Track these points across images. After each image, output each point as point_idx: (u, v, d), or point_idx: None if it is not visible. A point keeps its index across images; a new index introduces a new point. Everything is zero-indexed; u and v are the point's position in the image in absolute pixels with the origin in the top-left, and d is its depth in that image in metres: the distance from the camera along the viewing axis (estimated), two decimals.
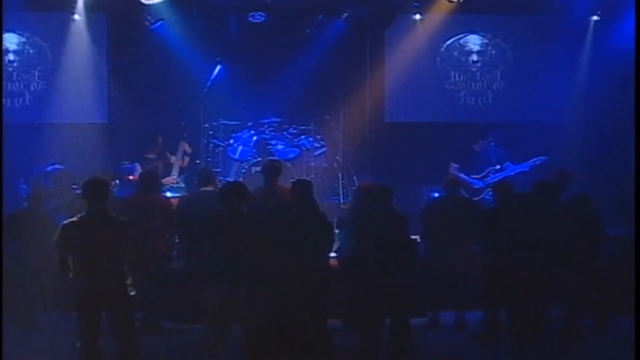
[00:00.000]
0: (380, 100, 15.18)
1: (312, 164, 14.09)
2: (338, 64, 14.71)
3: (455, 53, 15.16)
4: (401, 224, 9.26)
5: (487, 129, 13.64)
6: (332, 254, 9.96)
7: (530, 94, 14.93)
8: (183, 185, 13.29)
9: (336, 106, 14.59)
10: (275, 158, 12.88)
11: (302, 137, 14.27)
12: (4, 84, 14.22)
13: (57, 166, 12.51)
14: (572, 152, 14.10)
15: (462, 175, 12.88)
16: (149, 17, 14.02)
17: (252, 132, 14.24)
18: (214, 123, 14.28)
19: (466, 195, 11.97)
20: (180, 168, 13.43)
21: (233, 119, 14.37)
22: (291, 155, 14.03)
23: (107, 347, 8.15)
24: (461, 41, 15.14)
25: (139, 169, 12.97)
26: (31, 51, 14.71)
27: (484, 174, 13.09)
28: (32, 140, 13.53)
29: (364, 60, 14.95)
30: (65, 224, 8.14)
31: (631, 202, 9.67)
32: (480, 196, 12.60)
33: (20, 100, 14.76)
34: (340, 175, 13.74)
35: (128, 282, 8.06)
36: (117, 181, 12.65)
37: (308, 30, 14.68)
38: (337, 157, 14.20)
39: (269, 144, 14.08)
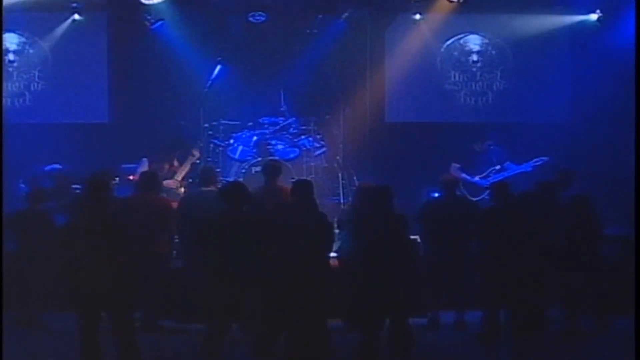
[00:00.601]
0: (381, 100, 15.20)
1: (312, 164, 14.02)
2: (338, 64, 14.76)
3: (456, 53, 15.16)
4: (400, 224, 9.19)
5: (488, 130, 13.64)
6: (332, 254, 9.92)
7: (530, 94, 14.87)
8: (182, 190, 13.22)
9: (336, 106, 14.60)
10: (276, 158, 12.86)
11: (302, 137, 14.22)
12: (4, 83, 14.20)
13: (55, 166, 12.54)
14: (572, 152, 13.98)
15: (464, 174, 12.94)
16: (149, 17, 13.96)
17: (252, 132, 14.16)
18: (214, 123, 14.20)
19: (464, 195, 11.99)
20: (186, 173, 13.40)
21: (233, 119, 14.30)
22: (291, 155, 13.97)
23: (107, 347, 8.18)
24: (461, 41, 15.15)
25: (146, 164, 12.96)
26: (31, 51, 14.70)
27: (485, 174, 13.06)
28: (32, 140, 13.63)
29: (364, 61, 14.95)
30: (65, 225, 8.29)
31: (631, 203, 9.68)
32: (482, 196, 12.55)
33: (21, 100, 14.81)
34: (340, 175, 13.71)
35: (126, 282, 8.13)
36: (117, 178, 12.75)
37: (308, 30, 14.68)
38: (337, 157, 14.16)
39: (269, 144, 14.03)
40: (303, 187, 9.25)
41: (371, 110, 15.17)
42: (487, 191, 12.54)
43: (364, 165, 14.32)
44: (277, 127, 14.16)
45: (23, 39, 14.67)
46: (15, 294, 9.98)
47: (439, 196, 11.46)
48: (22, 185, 12.26)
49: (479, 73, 15.19)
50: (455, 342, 10.23)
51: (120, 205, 10.33)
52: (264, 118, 14.28)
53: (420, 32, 14.72)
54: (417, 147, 14.53)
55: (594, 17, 14.40)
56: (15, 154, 12.20)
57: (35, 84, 14.85)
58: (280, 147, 14.09)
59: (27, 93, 14.84)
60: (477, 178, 13.08)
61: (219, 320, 8.70)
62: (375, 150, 14.87)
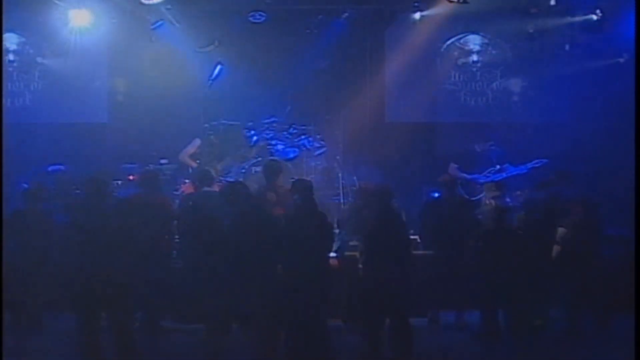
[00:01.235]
0: (381, 100, 15.36)
1: (312, 163, 14.16)
2: (338, 64, 14.87)
3: (456, 53, 15.27)
4: (400, 224, 9.29)
5: (489, 130, 13.77)
6: (332, 254, 9.97)
7: (530, 94, 14.98)
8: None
9: (336, 106, 14.75)
10: (276, 158, 12.95)
11: (302, 137, 14.26)
12: (5, 83, 14.30)
13: (58, 166, 12.75)
14: (571, 152, 13.86)
15: (463, 173, 12.88)
16: (149, 18, 13.96)
17: (252, 132, 14.16)
18: (214, 123, 14.13)
19: (462, 195, 12.02)
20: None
21: (233, 119, 14.24)
22: (291, 155, 14.07)
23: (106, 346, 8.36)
24: (461, 41, 15.34)
25: (198, 142, 13.38)
26: (31, 51, 14.85)
27: (483, 174, 13.04)
28: (33, 140, 13.87)
29: (364, 60, 15.06)
30: (65, 225, 8.42)
31: (631, 202, 9.61)
32: (481, 195, 12.53)
33: (21, 99, 14.95)
34: (340, 175, 13.68)
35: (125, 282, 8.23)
36: (119, 182, 12.97)
37: (308, 30, 14.74)
38: (337, 157, 14.20)
39: (269, 144, 14.06)
40: (302, 187, 9.31)
41: (371, 110, 15.23)
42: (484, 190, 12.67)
43: (364, 165, 14.24)
44: (277, 127, 14.12)
45: (23, 39, 14.75)
46: (14, 294, 9.88)
47: (437, 196, 11.60)
48: (25, 185, 12.04)
49: (479, 73, 15.37)
50: (455, 341, 10.30)
51: (121, 205, 10.28)
52: (264, 118, 14.21)
53: (421, 32, 14.74)
54: (417, 146, 14.62)
55: (594, 17, 14.24)
56: (16, 153, 12.29)
57: (35, 84, 14.92)
58: (280, 147, 14.12)
59: (27, 93, 14.95)
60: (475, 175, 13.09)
61: (219, 320, 8.80)
62: (375, 149, 14.82)
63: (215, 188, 10.88)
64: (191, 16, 14.41)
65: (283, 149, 14.15)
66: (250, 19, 14.32)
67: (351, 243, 10.56)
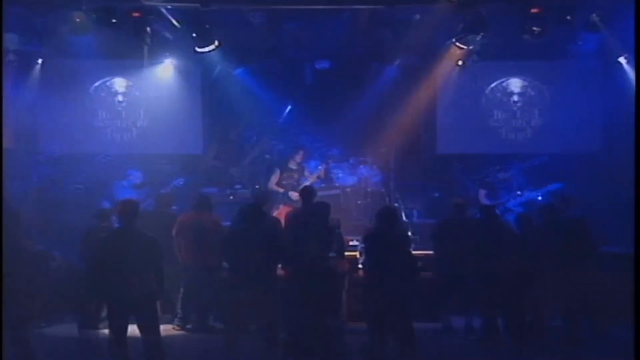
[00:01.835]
0: (433, 134, 16.53)
1: (369, 189, 15.35)
2: (391, 104, 16.11)
3: (499, 94, 16.39)
4: (404, 241, 10.20)
5: (510, 160, 14.72)
6: (359, 265, 11.23)
7: (564, 129, 15.91)
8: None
9: (390, 140, 15.86)
10: (310, 184, 13.82)
11: (361, 166, 15.57)
12: (115, 121, 16.46)
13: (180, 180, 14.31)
14: (603, 180, 15.13)
15: (486, 199, 14.09)
16: (232, 65, 15.68)
17: (319, 162, 15.48)
18: (287, 154, 15.37)
19: (472, 216, 12.44)
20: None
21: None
22: (350, 182, 15.44)
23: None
24: (504, 84, 16.38)
25: (277, 173, 14.57)
26: (137, 93, 16.37)
27: (505, 200, 14.13)
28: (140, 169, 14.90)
29: (416, 101, 16.13)
30: (99, 238, 9.19)
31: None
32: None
33: (128, 134, 16.49)
34: (387, 198, 14.86)
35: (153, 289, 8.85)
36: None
37: (365, 75, 16.07)
38: (390, 183, 15.37)
39: (331, 172, 15.51)
40: (307, 193, 10.89)
41: (425, 144, 16.61)
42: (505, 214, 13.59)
43: (414, 191, 15.57)
44: (339, 158, 15.54)
45: (130, 83, 16.34)
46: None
47: (449, 217, 12.11)
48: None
49: (519, 112, 16.38)
50: (465, 344, 11.25)
51: (177, 222, 11.76)
52: (327, 150, 15.70)
53: (467, 76, 15.86)
54: (463, 175, 15.60)
55: (622, 60, 15.11)
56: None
57: (141, 121, 16.48)
58: (341, 174, 15.52)
59: (134, 129, 16.48)
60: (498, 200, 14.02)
61: (236, 322, 9.60)
62: (427, 177, 16.24)
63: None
64: (267, 63, 16.10)
65: (344, 176, 15.52)
66: (316, 66, 15.88)
67: (351, 243, 11.93)
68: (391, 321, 9.80)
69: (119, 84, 16.46)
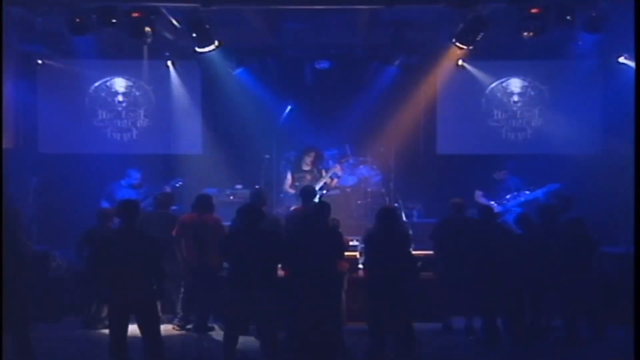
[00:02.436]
0: (432, 135, 16.54)
1: (369, 189, 15.40)
2: (391, 104, 16.05)
3: (499, 94, 16.41)
4: (403, 240, 10.16)
5: (504, 161, 14.74)
6: (359, 265, 11.46)
7: (564, 130, 15.81)
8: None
9: (390, 140, 15.80)
10: (310, 185, 13.65)
11: (361, 166, 15.57)
12: (115, 121, 16.50)
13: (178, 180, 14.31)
14: (600, 179, 15.19)
15: (483, 199, 14.11)
16: (231, 65, 15.63)
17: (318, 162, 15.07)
18: (286, 154, 15.61)
19: (470, 216, 12.45)
20: (325, 184, 14.56)
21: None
22: (351, 182, 15.45)
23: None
24: (504, 84, 16.40)
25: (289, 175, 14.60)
26: (137, 93, 16.46)
27: (502, 200, 14.17)
28: (139, 169, 14.85)
29: (416, 101, 16.30)
30: (100, 238, 9.35)
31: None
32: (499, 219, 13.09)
33: (129, 134, 16.53)
34: (387, 199, 14.89)
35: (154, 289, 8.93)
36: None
37: (365, 75, 16.06)
38: (390, 183, 15.27)
39: (332, 172, 15.00)
40: (307, 193, 11.10)
41: (424, 144, 16.59)
42: (503, 215, 13.67)
43: (414, 191, 15.55)
44: (338, 158, 15.25)
45: (130, 83, 16.42)
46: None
47: (447, 217, 12.23)
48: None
49: (519, 112, 16.42)
50: (465, 344, 11.33)
51: (178, 222, 11.81)
52: (328, 150, 15.46)
53: (467, 76, 16.03)
54: (462, 175, 15.45)
55: (622, 60, 15.26)
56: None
57: (141, 121, 16.53)
58: (341, 175, 15.29)
59: (134, 129, 16.52)
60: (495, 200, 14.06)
61: (235, 322, 9.50)
62: (425, 178, 16.18)
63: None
64: (266, 63, 16.01)
65: (344, 176, 15.41)
66: (316, 66, 15.79)
67: (351, 243, 11.87)
68: (391, 321, 9.79)
69: (119, 84, 16.51)
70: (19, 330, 9.08)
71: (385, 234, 9.94)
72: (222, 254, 10.28)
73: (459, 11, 12.47)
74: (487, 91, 16.49)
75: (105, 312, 9.82)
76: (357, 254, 11.73)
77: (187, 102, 16.51)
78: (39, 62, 15.86)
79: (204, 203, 11.99)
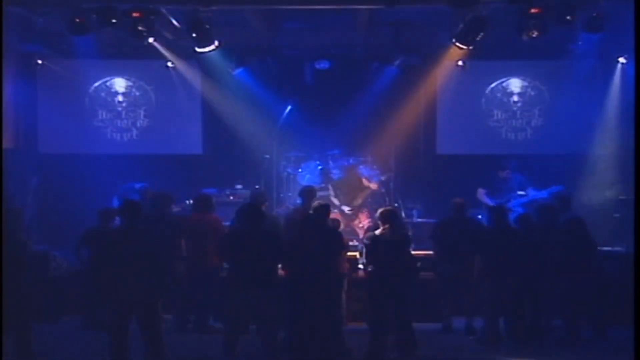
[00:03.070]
0: (433, 134, 16.54)
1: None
2: (391, 104, 16.05)
3: (499, 94, 16.45)
4: (404, 241, 10.22)
5: (507, 160, 14.62)
6: (359, 266, 11.36)
7: (564, 129, 15.93)
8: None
9: (390, 140, 15.82)
10: (310, 185, 13.80)
11: (361, 166, 15.51)
12: (115, 121, 16.51)
13: (143, 184, 13.84)
14: (600, 180, 15.35)
15: (487, 198, 14.13)
16: (231, 65, 15.65)
17: (318, 162, 15.59)
18: (287, 154, 15.73)
19: (472, 216, 12.73)
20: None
21: (302, 151, 15.80)
22: None
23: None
24: (504, 84, 16.44)
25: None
26: (137, 93, 16.49)
27: (507, 198, 14.07)
28: (140, 168, 14.94)
29: (416, 101, 16.30)
30: (101, 238, 9.43)
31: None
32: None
33: (129, 134, 16.55)
34: (387, 199, 14.87)
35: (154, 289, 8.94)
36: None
37: (365, 75, 16.05)
38: (390, 183, 15.24)
39: (331, 172, 15.50)
40: (307, 193, 11.17)
41: (424, 144, 16.59)
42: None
43: (414, 191, 15.61)
44: (339, 158, 15.50)
45: (130, 83, 16.46)
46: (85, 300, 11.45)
47: (448, 217, 12.16)
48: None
49: (519, 112, 16.44)
50: (465, 344, 11.25)
51: (180, 223, 11.80)
52: (328, 150, 15.63)
53: (467, 76, 16.00)
54: (462, 175, 15.47)
55: (622, 60, 15.39)
56: (123, 179, 14.16)
57: (141, 121, 16.56)
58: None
59: (134, 129, 16.56)
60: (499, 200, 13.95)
61: (236, 322, 9.46)
62: (426, 178, 16.22)
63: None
64: (267, 63, 15.96)
65: None
66: (316, 65, 15.75)
67: (351, 243, 11.90)
68: (391, 321, 9.84)
69: (119, 84, 16.56)
70: (19, 330, 9.09)
71: (385, 234, 9.98)
72: (221, 254, 10.33)
73: (459, 11, 12.46)
74: (487, 91, 16.53)
75: (105, 311, 9.76)
76: (357, 254, 11.72)
77: (187, 102, 16.53)
78: (39, 62, 15.89)
79: (204, 203, 12.00)
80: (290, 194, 15.50)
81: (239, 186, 15.46)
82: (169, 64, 15.98)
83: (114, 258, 8.89)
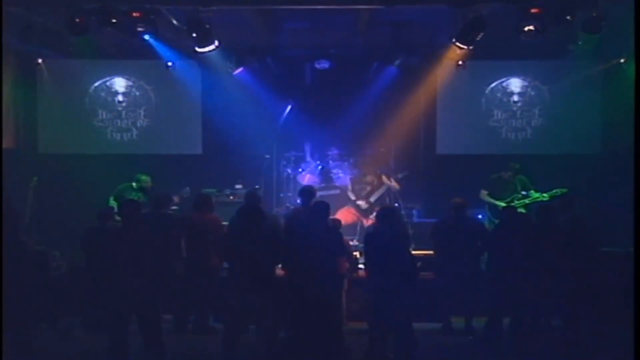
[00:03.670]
0: (433, 134, 16.57)
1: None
2: (391, 103, 16.10)
3: (499, 94, 16.48)
4: (404, 241, 10.26)
5: (508, 160, 14.54)
6: (359, 265, 11.37)
7: (564, 130, 16.04)
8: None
9: (390, 140, 15.86)
10: (309, 184, 13.92)
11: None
12: (115, 120, 16.52)
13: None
14: (600, 179, 15.32)
15: (489, 199, 14.15)
16: (231, 65, 15.69)
17: (318, 162, 15.69)
18: (286, 154, 15.75)
19: (471, 216, 12.62)
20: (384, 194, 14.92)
21: (301, 151, 15.84)
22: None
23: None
24: (504, 84, 16.47)
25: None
26: (137, 93, 16.53)
27: (509, 199, 13.99)
28: (140, 169, 14.63)
29: (416, 101, 16.33)
30: (100, 238, 9.44)
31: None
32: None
33: (129, 134, 16.59)
34: (387, 199, 14.86)
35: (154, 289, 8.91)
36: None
37: (365, 75, 16.08)
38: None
39: (331, 172, 15.59)
40: (306, 193, 11.17)
41: (424, 144, 16.63)
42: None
43: (414, 191, 15.55)
44: (338, 157, 15.58)
45: (130, 83, 16.50)
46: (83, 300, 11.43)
47: (448, 217, 12.05)
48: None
49: (519, 112, 16.47)
50: (465, 344, 11.26)
51: (180, 223, 11.82)
52: (327, 150, 15.70)
53: (468, 76, 15.99)
54: (462, 175, 15.49)
55: (622, 60, 15.35)
56: (123, 179, 14.22)
57: (141, 121, 16.60)
58: (341, 175, 15.54)
59: (134, 129, 16.59)
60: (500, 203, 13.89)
61: (236, 322, 9.47)
62: (426, 178, 16.25)
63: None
64: (266, 64, 15.92)
65: (344, 176, 15.57)
66: (316, 65, 15.79)
67: (351, 243, 11.94)
68: (391, 321, 9.78)
69: (119, 84, 16.59)
70: (19, 330, 9.09)
71: (385, 233, 9.94)
72: (221, 254, 10.35)
73: (459, 11, 12.49)
74: (487, 91, 16.57)
75: (105, 311, 9.77)
76: (357, 253, 11.71)
77: (187, 102, 16.57)
78: (39, 62, 15.88)
79: (203, 203, 11.98)
80: (290, 194, 15.50)
81: (239, 186, 15.43)
82: (169, 63, 15.91)
83: (113, 258, 8.88)
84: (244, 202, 11.75)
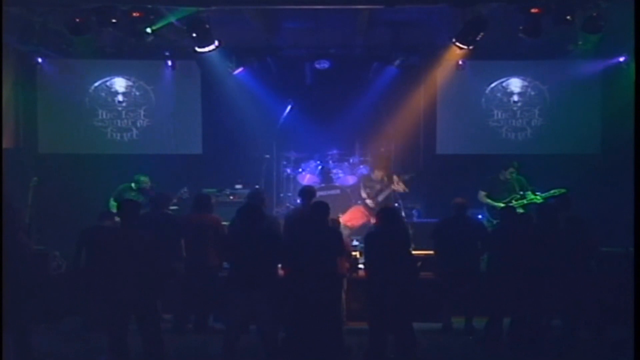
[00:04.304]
0: (432, 135, 16.57)
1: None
2: (391, 104, 16.13)
3: (499, 94, 16.49)
4: (404, 241, 10.12)
5: (507, 161, 14.35)
6: (360, 265, 11.39)
7: (564, 129, 16.07)
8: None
9: (390, 140, 15.96)
10: (309, 184, 14.07)
11: (361, 166, 15.59)
12: (115, 120, 16.52)
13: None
14: (600, 181, 15.40)
15: (488, 200, 14.06)
16: (231, 65, 15.66)
17: (318, 162, 15.69)
18: (286, 154, 15.79)
19: (472, 216, 12.63)
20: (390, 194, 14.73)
21: (302, 151, 15.84)
22: (350, 182, 15.45)
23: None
24: (504, 84, 16.49)
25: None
26: (137, 93, 16.52)
27: (507, 200, 13.88)
28: (140, 169, 14.57)
29: (416, 101, 16.37)
30: (100, 238, 9.27)
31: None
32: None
33: (129, 134, 16.59)
34: (392, 199, 14.68)
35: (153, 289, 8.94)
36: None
37: (365, 75, 16.12)
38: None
39: (331, 172, 15.60)
40: (306, 193, 11.19)
41: (425, 144, 16.63)
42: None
43: (414, 191, 15.28)
44: (339, 158, 15.60)
45: (130, 83, 16.49)
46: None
47: (449, 217, 12.05)
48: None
49: (519, 111, 16.48)
50: (465, 344, 11.26)
51: (180, 222, 11.80)
52: (327, 150, 15.71)
53: (468, 76, 16.09)
54: (462, 175, 15.59)
55: (622, 60, 15.39)
56: (123, 179, 14.17)
57: (141, 121, 16.59)
58: (341, 174, 15.56)
59: (134, 129, 16.59)
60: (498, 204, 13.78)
61: (236, 322, 9.41)
62: (426, 178, 16.06)
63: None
64: (266, 63, 15.94)
65: (344, 176, 15.58)
66: (316, 65, 15.78)
67: (357, 243, 11.98)
68: (391, 321, 9.79)
69: (119, 83, 16.59)
70: (19, 330, 9.10)
71: (386, 233, 9.94)
72: (221, 254, 10.36)
73: (459, 11, 12.50)
74: (487, 91, 16.58)
75: (105, 311, 9.76)
76: (357, 253, 11.69)
77: (187, 102, 16.61)
78: (39, 62, 15.88)
79: (203, 203, 11.95)
80: (290, 194, 15.53)
81: (239, 186, 15.45)
82: (169, 63, 15.97)
83: (112, 258, 8.87)
84: (245, 202, 11.72)
